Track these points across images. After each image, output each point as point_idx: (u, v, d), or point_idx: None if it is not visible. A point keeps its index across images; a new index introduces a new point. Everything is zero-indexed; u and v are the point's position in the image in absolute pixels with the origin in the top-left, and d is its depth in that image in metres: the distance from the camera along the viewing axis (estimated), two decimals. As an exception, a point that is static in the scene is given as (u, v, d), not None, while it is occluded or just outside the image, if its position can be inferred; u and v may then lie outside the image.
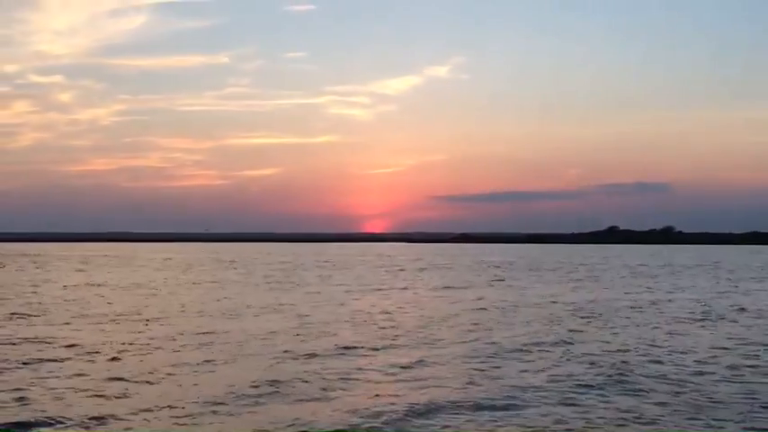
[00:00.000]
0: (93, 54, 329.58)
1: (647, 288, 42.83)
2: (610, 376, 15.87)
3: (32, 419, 12.04)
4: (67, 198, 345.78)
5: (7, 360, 17.32)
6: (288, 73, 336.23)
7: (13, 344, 19.91)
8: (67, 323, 24.69)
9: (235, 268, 67.10)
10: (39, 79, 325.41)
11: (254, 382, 14.93)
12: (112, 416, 12.31)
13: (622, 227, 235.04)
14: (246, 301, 32.89)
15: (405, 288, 42.77)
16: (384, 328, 23.96)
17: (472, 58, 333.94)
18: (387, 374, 16.05)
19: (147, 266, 70.82)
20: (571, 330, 23.47)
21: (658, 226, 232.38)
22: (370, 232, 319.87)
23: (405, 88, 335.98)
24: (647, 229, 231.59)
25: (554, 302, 33.27)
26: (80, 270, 63.20)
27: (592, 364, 17.42)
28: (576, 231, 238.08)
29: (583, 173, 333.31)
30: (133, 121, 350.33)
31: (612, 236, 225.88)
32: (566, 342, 20.90)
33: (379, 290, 41.09)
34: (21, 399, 13.43)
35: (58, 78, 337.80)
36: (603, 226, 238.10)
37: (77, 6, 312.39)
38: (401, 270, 65.20)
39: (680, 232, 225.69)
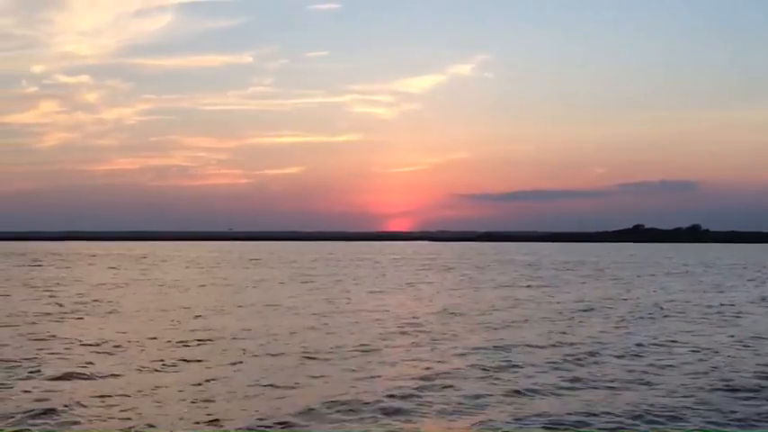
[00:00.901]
0: (118, 54, 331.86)
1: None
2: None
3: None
4: (93, 197, 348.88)
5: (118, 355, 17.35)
6: (311, 72, 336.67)
7: (91, 343, 19.96)
8: (122, 319, 24.79)
9: (275, 267, 67.23)
10: (65, 79, 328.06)
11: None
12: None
13: (647, 225, 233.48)
14: (320, 307, 32.76)
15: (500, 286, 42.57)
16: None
17: (496, 56, 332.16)
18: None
19: (177, 264, 71.15)
20: None
21: (684, 224, 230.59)
22: (392, 231, 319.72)
23: (428, 87, 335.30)
24: (672, 227, 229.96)
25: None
26: (113, 268, 63.56)
27: None
28: (600, 230, 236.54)
29: (607, 171, 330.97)
30: (158, 121, 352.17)
31: (638, 234, 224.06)
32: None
33: (467, 289, 40.90)
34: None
35: (84, 78, 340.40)
36: (629, 224, 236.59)
37: (103, 7, 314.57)
38: (450, 269, 64.97)
39: (706, 231, 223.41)
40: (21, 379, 14.67)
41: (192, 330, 21.89)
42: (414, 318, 25.78)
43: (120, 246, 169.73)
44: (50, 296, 33.93)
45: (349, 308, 29.18)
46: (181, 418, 11.84)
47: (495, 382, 14.79)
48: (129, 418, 11.88)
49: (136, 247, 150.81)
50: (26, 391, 13.54)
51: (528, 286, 42.13)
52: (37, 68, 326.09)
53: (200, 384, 14.32)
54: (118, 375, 15.07)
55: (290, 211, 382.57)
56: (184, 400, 13.08)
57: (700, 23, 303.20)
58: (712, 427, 11.80)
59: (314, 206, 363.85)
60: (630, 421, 11.90)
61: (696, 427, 11.77)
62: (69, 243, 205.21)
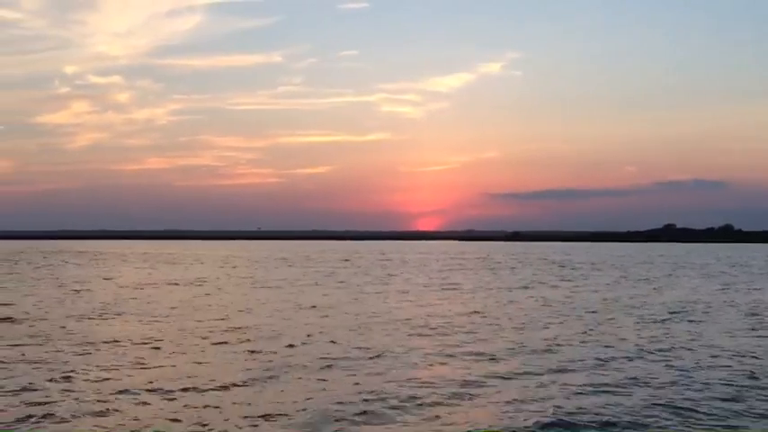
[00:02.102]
0: (149, 55, 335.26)
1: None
2: None
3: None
4: (123, 197, 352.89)
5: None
6: (340, 71, 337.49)
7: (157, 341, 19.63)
8: (157, 318, 24.48)
9: (309, 266, 66.94)
10: (97, 80, 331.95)
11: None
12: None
13: (679, 225, 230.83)
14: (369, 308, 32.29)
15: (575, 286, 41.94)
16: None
17: (526, 54, 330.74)
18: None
19: (207, 264, 71.16)
20: None
21: (717, 224, 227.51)
22: (420, 230, 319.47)
23: (457, 85, 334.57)
24: (705, 227, 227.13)
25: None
26: (148, 267, 63.67)
27: None
28: (631, 229, 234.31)
29: (638, 170, 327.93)
30: (188, 121, 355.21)
31: (669, 234, 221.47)
32: None
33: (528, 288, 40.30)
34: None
35: (115, 79, 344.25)
36: (659, 224, 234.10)
37: (134, 8, 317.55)
38: (508, 268, 64.31)
39: (739, 230, 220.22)
40: (49, 380, 14.28)
41: (236, 329, 21.48)
42: (463, 320, 25.18)
43: (149, 245, 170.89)
44: (87, 294, 33.78)
45: (397, 309, 28.65)
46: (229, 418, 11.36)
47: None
48: (179, 419, 11.45)
49: (164, 247, 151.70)
50: (67, 390, 13.16)
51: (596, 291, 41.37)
52: (69, 69, 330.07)
53: (251, 387, 13.83)
54: (166, 370, 14.65)
55: (319, 210, 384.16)
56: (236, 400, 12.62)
57: (730, 21, 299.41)
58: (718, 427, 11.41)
59: (342, 205, 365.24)
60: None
61: (703, 427, 11.37)
62: (99, 242, 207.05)
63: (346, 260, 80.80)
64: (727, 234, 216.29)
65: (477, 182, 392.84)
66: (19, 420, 11.59)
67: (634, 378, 15.14)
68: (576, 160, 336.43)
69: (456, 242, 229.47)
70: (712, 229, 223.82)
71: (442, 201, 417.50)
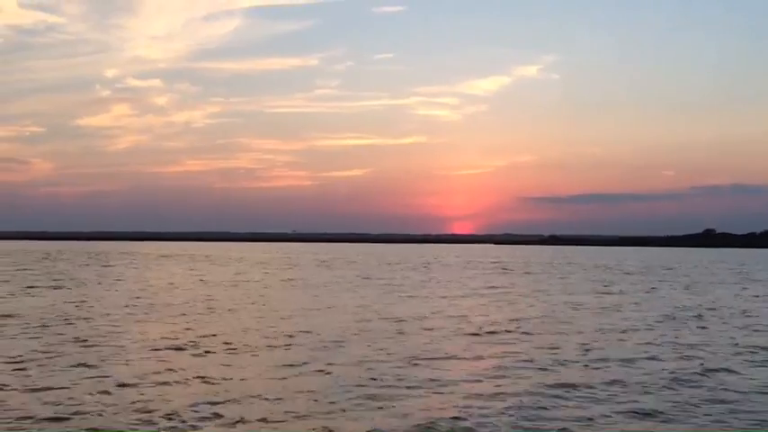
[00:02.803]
0: (187, 58, 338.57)
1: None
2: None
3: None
4: (162, 198, 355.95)
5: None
6: (376, 74, 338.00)
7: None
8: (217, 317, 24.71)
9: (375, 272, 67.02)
10: (136, 83, 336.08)
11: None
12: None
13: (718, 230, 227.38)
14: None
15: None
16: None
17: (563, 57, 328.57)
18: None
19: (252, 265, 71.62)
20: None
21: (757, 229, 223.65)
22: (456, 234, 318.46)
23: (493, 88, 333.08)
24: (745, 232, 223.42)
25: None
26: (200, 267, 64.26)
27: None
28: (669, 234, 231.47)
29: (677, 174, 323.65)
30: (225, 124, 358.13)
31: (708, 239, 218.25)
32: None
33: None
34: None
35: (154, 82, 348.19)
36: (699, 229, 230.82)
37: (173, 12, 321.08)
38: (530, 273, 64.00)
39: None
40: (87, 377, 14.45)
41: (288, 332, 21.58)
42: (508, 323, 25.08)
43: (186, 246, 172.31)
44: (138, 294, 34.17)
45: (443, 311, 28.60)
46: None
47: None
48: (242, 419, 11.49)
49: (203, 248, 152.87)
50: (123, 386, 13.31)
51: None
52: (109, 73, 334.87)
53: (311, 391, 13.84)
54: (221, 373, 14.76)
55: (354, 212, 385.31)
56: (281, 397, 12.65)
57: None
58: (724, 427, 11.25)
59: (377, 208, 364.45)
60: None
61: (707, 428, 11.23)
62: (139, 243, 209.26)
63: (388, 263, 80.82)
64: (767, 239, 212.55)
65: (512, 185, 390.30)
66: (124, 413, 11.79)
67: None
68: (613, 164, 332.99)
69: (491, 246, 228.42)
70: (753, 234, 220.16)
71: (477, 204, 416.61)
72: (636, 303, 33.53)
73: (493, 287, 43.63)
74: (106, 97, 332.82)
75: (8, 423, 11.32)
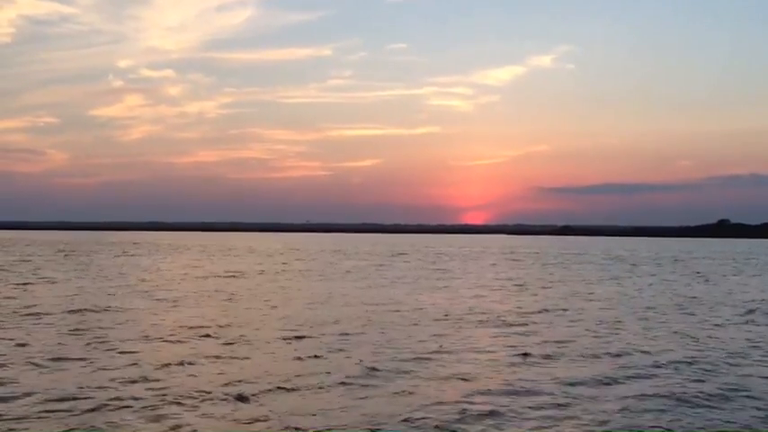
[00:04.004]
0: (201, 49, 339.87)
1: None
2: None
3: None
4: (175, 188, 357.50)
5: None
6: (389, 64, 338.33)
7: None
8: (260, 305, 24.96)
9: (404, 260, 67.21)
10: (150, 74, 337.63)
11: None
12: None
13: (734, 220, 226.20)
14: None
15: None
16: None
17: (578, 47, 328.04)
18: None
19: (267, 256, 71.92)
20: None
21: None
22: (470, 224, 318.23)
23: (507, 78, 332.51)
24: (761, 222, 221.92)
25: None
26: (219, 258, 64.56)
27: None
28: (683, 224, 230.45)
29: (693, 164, 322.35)
30: (239, 114, 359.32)
31: (722, 229, 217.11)
32: None
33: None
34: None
35: (168, 73, 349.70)
36: (713, 219, 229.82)
37: (186, 3, 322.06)
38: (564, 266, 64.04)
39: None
40: (118, 365, 14.65)
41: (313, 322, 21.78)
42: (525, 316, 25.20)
43: (201, 236, 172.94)
44: (154, 285, 34.46)
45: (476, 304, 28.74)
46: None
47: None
48: (267, 418, 11.62)
49: (217, 238, 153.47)
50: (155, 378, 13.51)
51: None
52: (123, 63, 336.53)
53: (347, 384, 13.98)
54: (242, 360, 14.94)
55: (367, 203, 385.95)
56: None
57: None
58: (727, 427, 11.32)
59: (391, 198, 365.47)
60: None
61: (713, 428, 11.21)
62: (152, 233, 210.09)
63: (402, 254, 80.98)
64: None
65: (526, 176, 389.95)
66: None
67: None
68: (628, 154, 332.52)
69: (505, 236, 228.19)
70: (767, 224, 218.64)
71: (490, 194, 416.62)
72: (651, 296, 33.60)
73: (509, 278, 43.76)
74: (120, 88, 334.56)
75: (42, 406, 11.53)
